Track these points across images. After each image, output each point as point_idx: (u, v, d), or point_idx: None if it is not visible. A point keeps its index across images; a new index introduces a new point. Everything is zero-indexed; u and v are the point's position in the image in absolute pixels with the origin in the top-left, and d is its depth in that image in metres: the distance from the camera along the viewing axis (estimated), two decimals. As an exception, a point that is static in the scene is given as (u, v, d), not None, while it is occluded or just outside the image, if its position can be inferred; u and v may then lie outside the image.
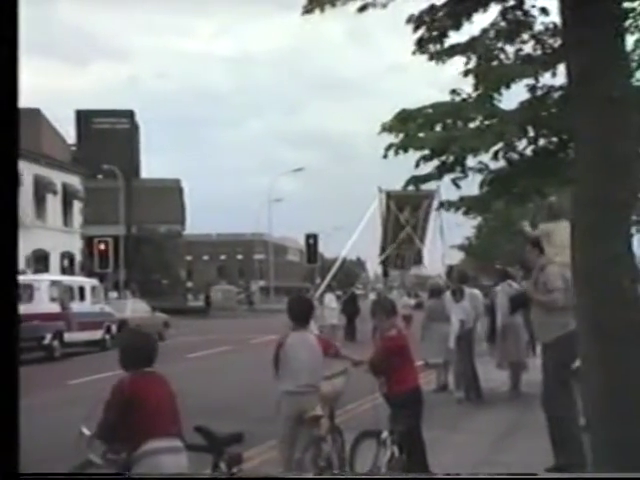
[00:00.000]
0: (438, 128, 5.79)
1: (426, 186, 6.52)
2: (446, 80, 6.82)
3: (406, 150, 5.63)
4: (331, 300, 19.49)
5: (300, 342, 4.92)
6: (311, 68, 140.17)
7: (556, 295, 5.45)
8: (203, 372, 13.52)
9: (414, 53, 5.47)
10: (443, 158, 5.71)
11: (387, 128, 5.79)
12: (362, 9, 4.63)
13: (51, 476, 2.78)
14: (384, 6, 4.60)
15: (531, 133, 5.66)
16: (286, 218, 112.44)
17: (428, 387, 8.74)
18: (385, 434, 4.71)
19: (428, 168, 5.87)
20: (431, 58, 5.44)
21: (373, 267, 32.02)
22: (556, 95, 5.58)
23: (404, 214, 25.93)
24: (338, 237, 76.66)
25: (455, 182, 5.95)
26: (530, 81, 5.66)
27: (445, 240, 26.65)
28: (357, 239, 25.83)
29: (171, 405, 3.51)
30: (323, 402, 4.97)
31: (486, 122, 5.72)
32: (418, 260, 26.62)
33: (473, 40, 5.51)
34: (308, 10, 4.47)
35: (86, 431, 3.55)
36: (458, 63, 5.69)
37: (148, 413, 3.34)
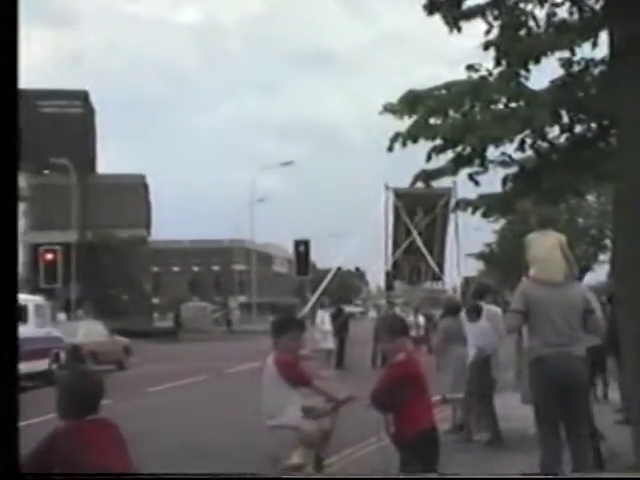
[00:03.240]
0: (452, 113, 5.70)
1: (438, 183, 6.43)
2: (460, 54, 6.73)
3: (415, 140, 5.54)
4: (325, 319, 19.30)
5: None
6: (293, 39, 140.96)
7: (508, 318, 5.85)
8: (169, 409, 13.35)
9: (420, 20, 5.38)
10: (459, 149, 5.62)
11: (391, 111, 5.69)
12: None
13: (51, 476, 3.08)
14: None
15: (565, 118, 5.57)
16: (271, 221, 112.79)
17: (442, 426, 8.62)
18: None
19: (441, 161, 5.78)
20: (447, 22, 5.30)
21: (375, 279, 32.01)
22: (596, 71, 5.47)
23: (417, 216, 25.84)
24: (333, 244, 76.63)
25: (473, 178, 5.86)
26: (565, 54, 5.55)
27: (461, 247, 26.61)
28: (356, 246, 25.82)
29: (119, 459, 3.36)
30: (306, 445, 4.83)
31: (511, 105, 5.62)
32: (437, 273, 26.23)
33: (495, 2, 5.39)
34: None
35: None
36: (476, 32, 5.59)
37: (87, 471, 3.18)
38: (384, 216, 26.32)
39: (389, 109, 5.66)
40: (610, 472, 4.28)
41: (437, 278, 26.99)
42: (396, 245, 26.27)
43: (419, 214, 25.80)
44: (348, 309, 33.29)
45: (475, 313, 9.20)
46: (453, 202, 21.38)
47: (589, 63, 5.50)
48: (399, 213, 25.73)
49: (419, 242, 25.39)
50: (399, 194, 25.79)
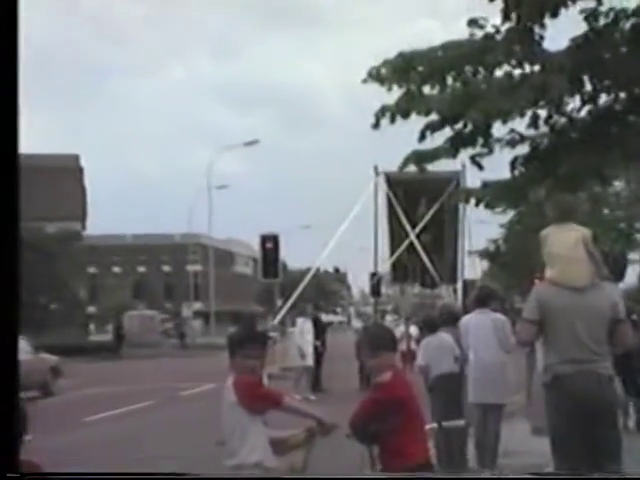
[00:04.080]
0: (451, 81, 5.67)
1: (434, 166, 6.41)
2: (458, 4, 6.66)
3: (406, 115, 5.50)
4: (304, 330, 19.26)
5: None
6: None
7: (519, 329, 5.93)
8: (109, 444, 13.23)
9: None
10: (459, 126, 5.59)
11: (377, 79, 5.64)
12: None
13: (51, 476, 3.43)
14: None
15: (588, 86, 5.53)
16: (233, 213, 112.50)
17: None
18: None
19: (438, 140, 5.75)
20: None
21: (358, 283, 32.12)
22: (627, 25, 5.40)
23: (420, 207, 25.79)
24: (308, 240, 76.58)
25: (476, 160, 5.84)
26: (589, 3, 5.47)
27: (462, 244, 26.66)
28: (336, 243, 25.77)
29: None
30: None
31: (522, 71, 5.58)
32: (450, 275, 25.93)
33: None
34: None
35: None
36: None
37: None
38: (373, 207, 26.26)
39: (374, 76, 5.61)
40: (610, 472, 4.53)
41: (451, 279, 26.96)
42: (392, 242, 26.20)
43: (422, 204, 25.76)
44: (326, 318, 33.24)
45: (431, 326, 9.64)
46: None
47: (619, 15, 5.39)
48: (392, 203, 25.65)
49: (418, 240, 25.30)
50: (392, 180, 25.65)
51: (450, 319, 10.19)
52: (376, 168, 25.71)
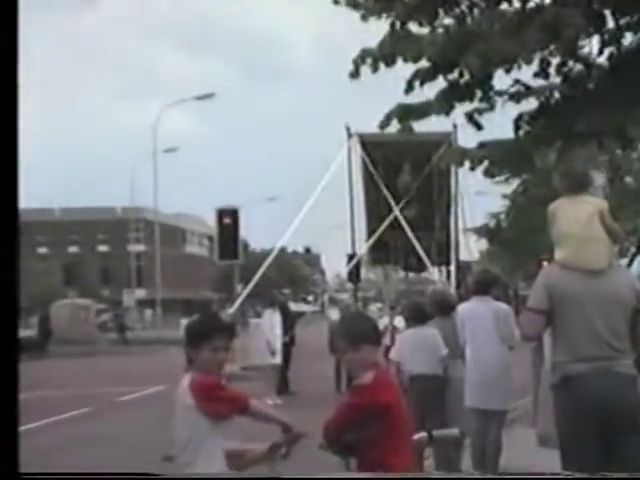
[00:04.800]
0: (444, 17, 5.63)
1: (421, 126, 6.37)
2: None
3: (391, 61, 5.45)
4: (274, 322, 19.22)
5: None
6: None
7: (524, 321, 6.04)
8: (34, 462, 13.11)
9: None
10: (453, 75, 5.54)
11: (352, 5, 5.57)
12: None
13: (51, 476, 4.11)
14: None
15: (610, 23, 5.47)
16: (183, 182, 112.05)
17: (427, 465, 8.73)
18: None
19: (428, 92, 5.70)
20: None
21: (333, 265, 32.12)
22: None
23: (403, 175, 25.65)
24: (273, 215, 76.84)
25: (473, 118, 5.78)
26: None
27: (455, 219, 26.67)
28: (307, 218, 25.69)
29: None
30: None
31: (530, 5, 5.53)
32: (441, 256, 25.87)
33: None
34: None
35: None
36: None
37: None
38: (347, 174, 26.04)
39: (350, 3, 5.54)
40: (610, 472, 4.67)
41: (442, 260, 26.88)
42: (369, 217, 26.02)
43: (405, 171, 25.53)
44: (296, 307, 33.10)
45: (418, 316, 9.93)
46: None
47: None
48: (369, 171, 25.42)
49: (401, 215, 25.14)
50: (368, 143, 25.44)
51: (443, 308, 10.28)
52: (348, 129, 25.38)
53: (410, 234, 25.33)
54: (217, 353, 5.10)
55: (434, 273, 26.49)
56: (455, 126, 22.22)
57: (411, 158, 25.70)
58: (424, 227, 26.08)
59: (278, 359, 18.94)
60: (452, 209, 26.67)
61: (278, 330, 19.14)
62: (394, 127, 6.87)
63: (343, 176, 25.88)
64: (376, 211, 25.75)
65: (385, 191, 25.09)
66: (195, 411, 4.96)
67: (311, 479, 4.90)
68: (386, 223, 24.89)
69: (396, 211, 24.74)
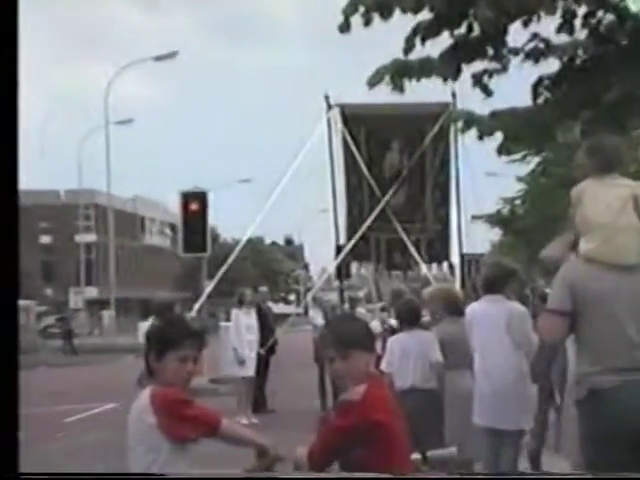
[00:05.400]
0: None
1: (414, 92, 6.27)
2: None
3: (387, 12, 5.39)
4: (241, 324, 18.96)
5: None
6: None
7: (544, 323, 6.01)
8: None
9: None
10: (461, 31, 5.46)
11: None
12: None
13: (51, 476, 4.50)
14: None
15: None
16: (141, 159, 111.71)
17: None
18: None
19: (428, 49, 5.60)
20: None
21: (318, 259, 31.98)
22: None
23: (390, 154, 25.51)
24: (248, 199, 76.73)
25: (481, 81, 5.70)
26: None
27: (462, 204, 26.60)
28: (285, 202, 25.61)
29: None
30: None
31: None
32: (440, 251, 25.91)
33: None
34: None
35: None
36: None
37: None
38: (327, 152, 25.80)
39: None
40: (610, 472, 4.88)
41: (440, 256, 26.70)
42: (350, 203, 25.72)
43: (394, 148, 25.35)
44: (276, 309, 32.91)
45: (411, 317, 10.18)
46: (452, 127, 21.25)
47: None
48: (349, 147, 25.16)
49: (389, 201, 24.97)
50: (350, 115, 25.16)
51: (451, 309, 10.28)
52: (327, 98, 25.11)
53: (396, 225, 25.09)
54: (185, 364, 5.10)
55: (432, 269, 26.34)
56: (454, 95, 21.99)
57: (401, 134, 25.53)
58: (414, 217, 25.82)
59: (250, 370, 18.60)
60: (453, 193, 26.48)
61: (251, 335, 18.84)
62: (383, 91, 6.73)
63: (324, 154, 25.57)
64: (356, 195, 25.52)
65: (367, 173, 24.83)
66: (157, 432, 4.96)
67: (311, 479, 5.04)
68: (374, 213, 24.67)
69: (381, 198, 24.49)
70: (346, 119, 24.81)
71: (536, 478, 4.23)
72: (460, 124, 6.68)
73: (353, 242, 24.72)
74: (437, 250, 26.27)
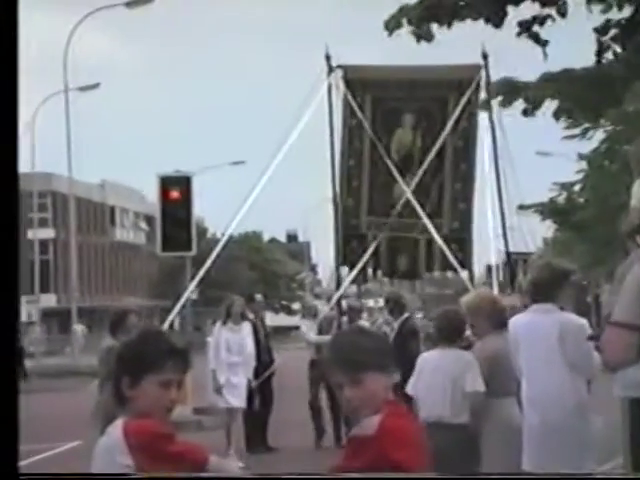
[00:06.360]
0: None
1: (443, 56, 6.36)
2: None
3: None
4: (220, 339, 18.65)
5: None
6: None
7: (611, 341, 5.77)
8: None
9: None
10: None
11: None
12: None
13: (51, 476, 5.69)
14: None
15: None
16: (111, 137, 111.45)
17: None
18: None
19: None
20: None
21: (327, 260, 31.90)
22: None
23: (401, 129, 25.14)
24: (241, 185, 77.28)
25: (531, 30, 5.72)
26: None
27: (503, 191, 26.42)
28: (286, 189, 25.58)
29: None
30: None
31: None
32: (459, 253, 25.60)
33: None
34: None
35: None
36: None
37: None
38: (328, 126, 25.43)
39: None
40: (610, 472, 5.36)
41: (460, 263, 26.33)
42: (348, 188, 25.31)
43: (406, 123, 24.84)
44: (276, 320, 32.46)
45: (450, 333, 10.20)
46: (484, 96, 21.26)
47: None
48: (351, 118, 24.63)
49: (396, 190, 24.62)
50: (353, 79, 24.69)
51: (496, 322, 10.30)
52: (328, 58, 24.62)
53: (414, 222, 24.66)
54: (167, 390, 5.11)
55: (462, 275, 25.91)
56: (486, 56, 21.53)
57: (416, 105, 25.04)
58: (429, 210, 25.18)
59: (234, 400, 18.27)
60: (492, 179, 26.06)
61: (236, 357, 18.48)
62: (402, 39, 6.62)
63: (324, 124, 25.07)
64: (353, 179, 25.01)
65: (380, 148, 24.41)
66: (132, 472, 4.98)
67: (311, 479, 5.42)
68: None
69: (384, 186, 24.08)
70: (349, 84, 24.25)
71: (536, 478, 4.44)
72: (500, 96, 6.66)
73: (342, 242, 24.20)
74: (459, 252, 25.81)
